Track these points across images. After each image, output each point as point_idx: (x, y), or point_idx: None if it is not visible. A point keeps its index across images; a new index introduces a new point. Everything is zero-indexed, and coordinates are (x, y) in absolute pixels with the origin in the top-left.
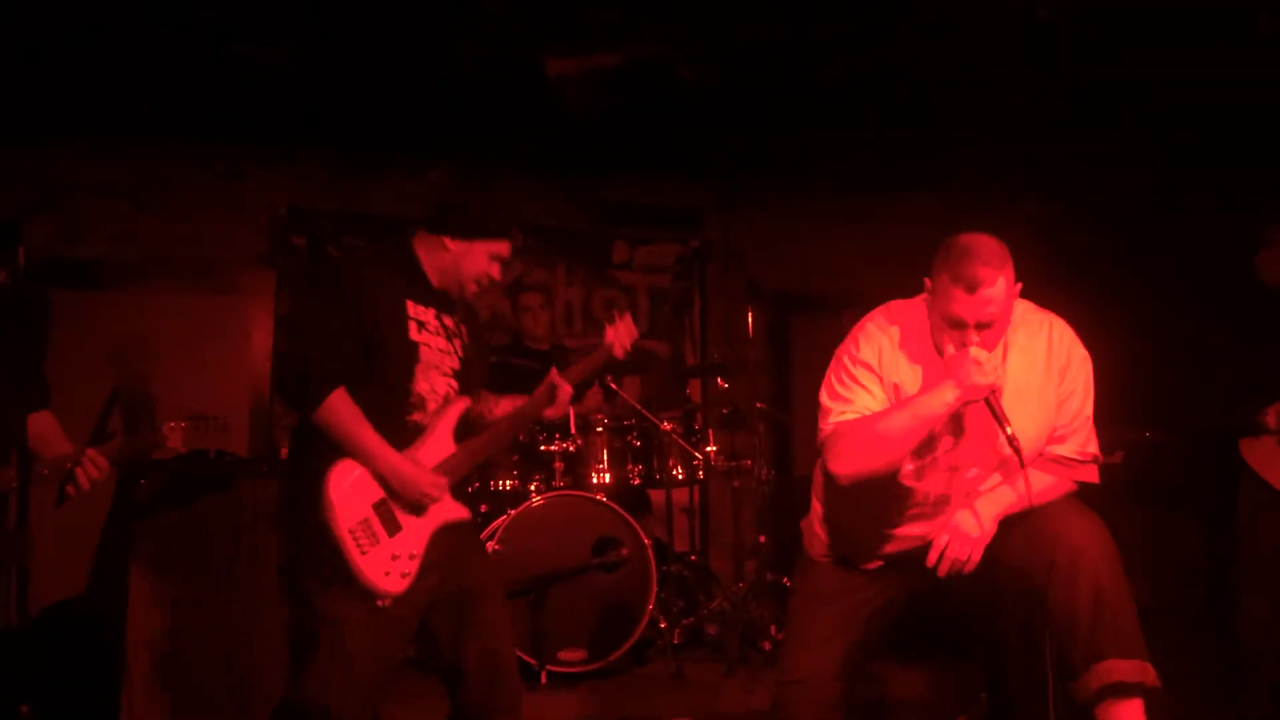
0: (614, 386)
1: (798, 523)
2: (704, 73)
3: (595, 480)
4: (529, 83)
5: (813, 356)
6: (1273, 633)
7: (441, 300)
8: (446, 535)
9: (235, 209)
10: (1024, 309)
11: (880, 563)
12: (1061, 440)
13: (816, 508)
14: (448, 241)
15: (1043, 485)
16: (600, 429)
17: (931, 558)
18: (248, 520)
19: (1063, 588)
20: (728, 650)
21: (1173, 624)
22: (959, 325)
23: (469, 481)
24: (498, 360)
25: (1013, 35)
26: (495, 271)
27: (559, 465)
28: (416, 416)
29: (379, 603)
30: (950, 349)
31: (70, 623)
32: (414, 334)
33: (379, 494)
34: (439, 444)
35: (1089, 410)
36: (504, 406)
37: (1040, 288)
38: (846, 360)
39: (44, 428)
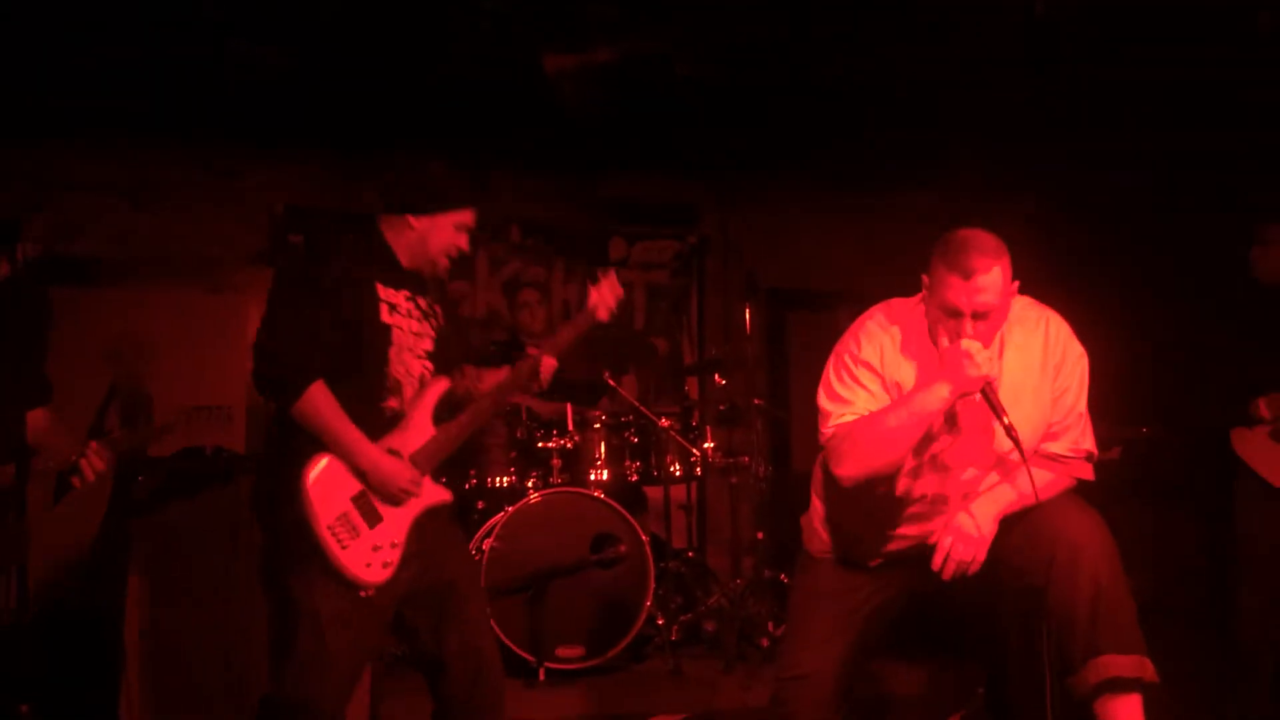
0: (613, 384)
1: (795, 519)
2: (702, 70)
3: (593, 477)
4: (527, 81)
5: (810, 353)
6: (1270, 629)
7: (414, 282)
8: (428, 522)
9: (234, 207)
10: (1022, 306)
11: (880, 560)
12: (1056, 437)
13: (816, 505)
14: (411, 220)
15: (1041, 482)
16: (598, 426)
17: (936, 561)
18: (245, 517)
19: (1062, 584)
20: (725, 647)
21: (1171, 621)
22: (955, 314)
23: (466, 471)
24: (496, 354)
25: (1013, 35)
26: (463, 242)
27: (557, 462)
28: (393, 402)
29: (362, 594)
30: (945, 342)
31: (68, 620)
32: (385, 316)
33: (357, 486)
34: (418, 429)
35: (1083, 407)
36: (488, 381)
37: (1039, 284)
38: (847, 359)
39: (46, 424)
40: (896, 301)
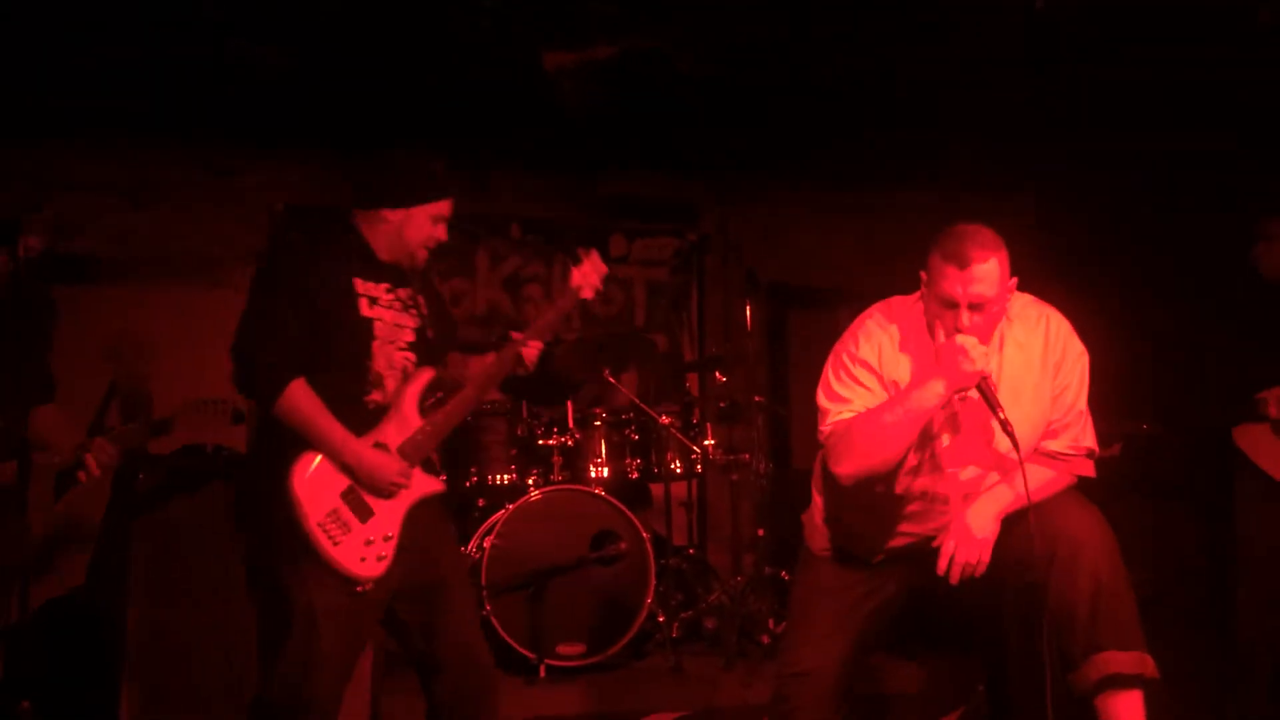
0: (613, 380)
1: (796, 516)
2: (702, 69)
3: (593, 474)
4: (527, 80)
5: (811, 350)
6: (1270, 627)
7: (394, 274)
8: (420, 513)
9: (233, 207)
10: (1022, 304)
11: (882, 557)
12: (1056, 434)
13: (817, 502)
14: (386, 214)
15: (1042, 480)
16: (598, 423)
17: (941, 565)
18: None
19: (1062, 580)
20: (726, 644)
21: (1171, 618)
22: (951, 305)
23: (467, 468)
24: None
25: (1013, 35)
26: (441, 233)
27: (557, 459)
28: (376, 396)
29: (359, 589)
30: (942, 337)
31: (69, 618)
32: (365, 310)
33: (345, 482)
34: (405, 421)
35: (1084, 404)
36: (474, 368)
37: (1039, 281)
38: (845, 358)
39: (51, 421)
40: (896, 300)
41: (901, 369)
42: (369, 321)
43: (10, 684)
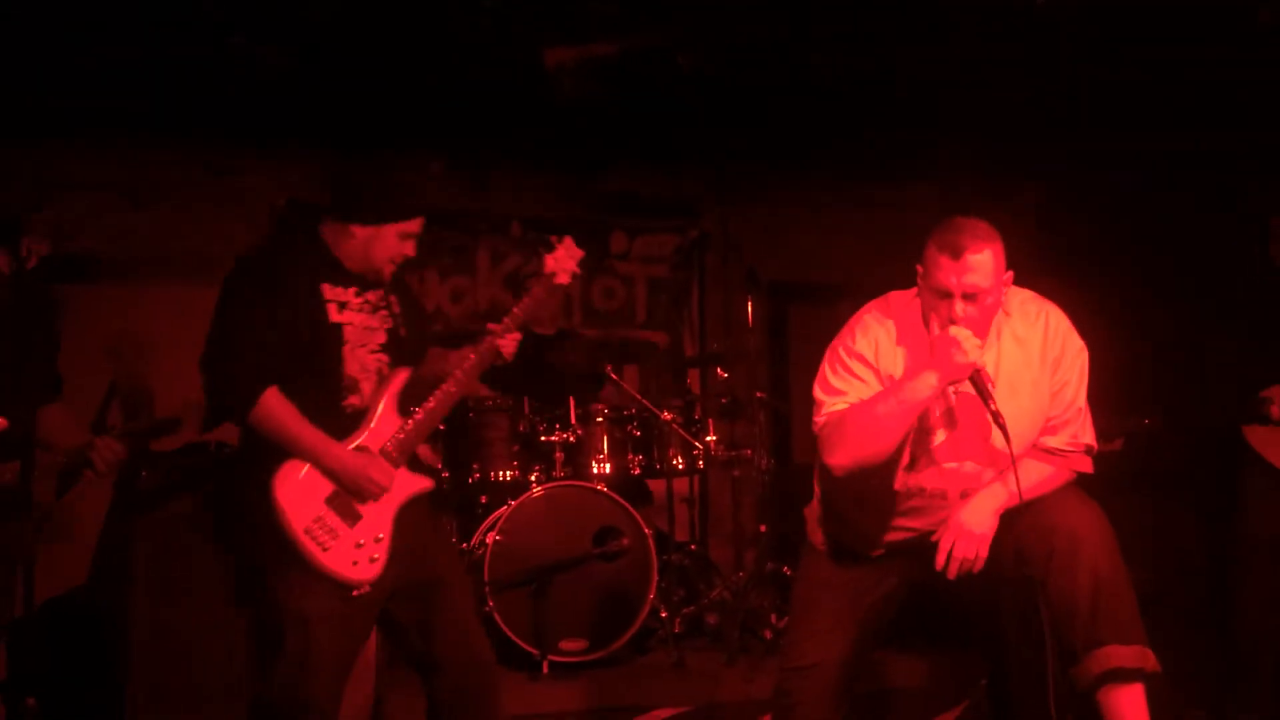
0: (614, 377)
1: (798, 512)
2: (703, 65)
3: (595, 470)
4: (527, 80)
5: (811, 346)
6: (1273, 623)
7: (362, 279)
8: (411, 513)
9: (234, 207)
10: (1022, 299)
11: (882, 551)
12: (1054, 431)
13: (819, 496)
14: (354, 229)
15: (1040, 476)
16: (600, 419)
17: (939, 561)
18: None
19: (1062, 576)
20: (728, 639)
21: (1171, 615)
22: (945, 295)
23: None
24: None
25: (1013, 35)
26: (409, 249)
27: (559, 456)
28: (354, 400)
29: (354, 593)
30: (936, 328)
31: (72, 615)
32: (335, 315)
33: (330, 488)
34: (385, 422)
35: (1083, 401)
36: (452, 364)
37: (1040, 280)
38: (842, 351)
39: (58, 420)
40: (894, 295)
41: (898, 363)
42: (339, 327)
43: (15, 681)
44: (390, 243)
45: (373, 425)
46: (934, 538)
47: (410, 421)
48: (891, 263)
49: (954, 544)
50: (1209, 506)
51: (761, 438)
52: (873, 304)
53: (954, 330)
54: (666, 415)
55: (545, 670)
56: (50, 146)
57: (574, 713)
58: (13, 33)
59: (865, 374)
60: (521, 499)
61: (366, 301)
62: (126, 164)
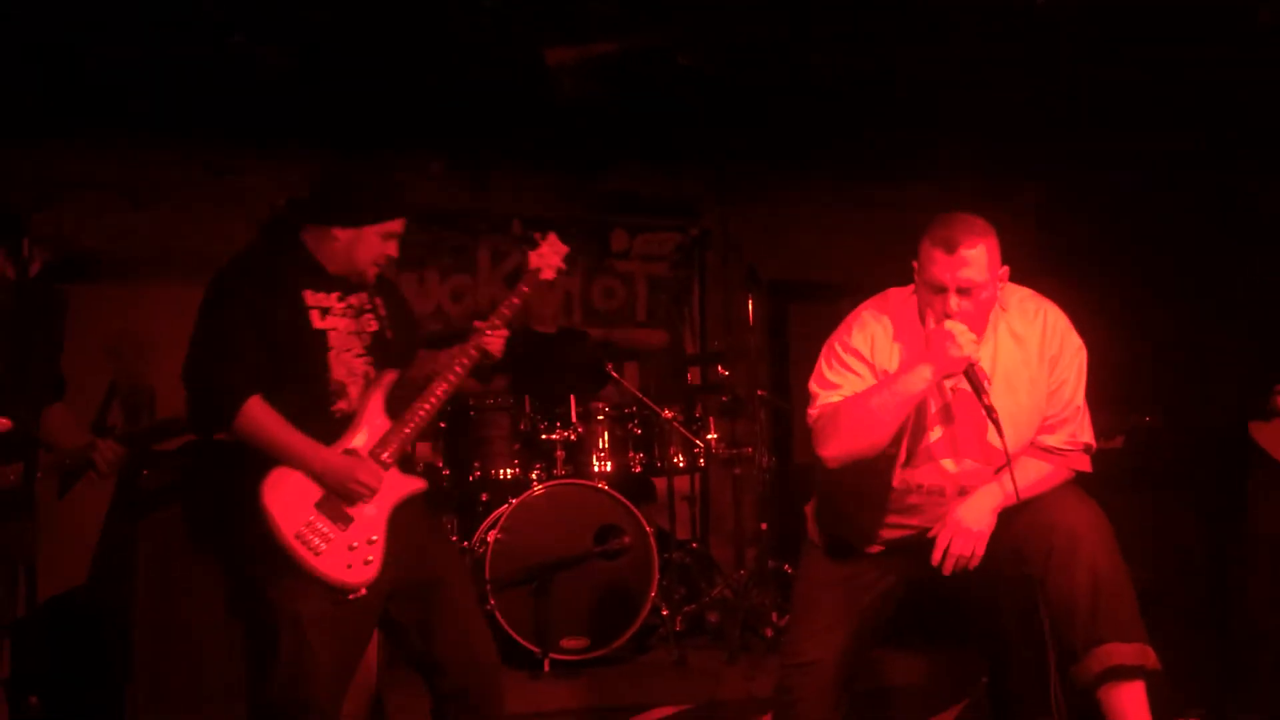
0: (615, 375)
1: (798, 510)
2: (703, 65)
3: (596, 468)
4: (528, 76)
5: (812, 344)
6: (1273, 620)
7: (344, 282)
8: (406, 514)
9: (234, 207)
10: (1020, 297)
11: (881, 547)
12: (1053, 429)
13: (819, 493)
14: (335, 232)
15: (1038, 474)
16: (601, 417)
17: (936, 556)
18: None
19: (1061, 574)
20: (729, 637)
21: (1171, 613)
22: (939, 290)
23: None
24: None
25: (1013, 35)
26: (392, 250)
27: (560, 454)
28: (341, 405)
29: (350, 596)
30: (931, 323)
31: (74, 614)
32: (318, 322)
33: (319, 492)
34: (373, 425)
35: (1081, 399)
36: (441, 364)
37: (1040, 280)
38: (838, 347)
39: (59, 420)
40: (892, 292)
41: (894, 359)
42: (322, 333)
43: (17, 680)
44: (373, 244)
45: (361, 429)
46: (931, 533)
47: (399, 423)
48: (891, 262)
49: (951, 540)
50: (1209, 505)
51: (762, 436)
52: (870, 301)
53: (949, 324)
54: (667, 413)
55: (546, 668)
56: (50, 146)
57: (575, 711)
58: (13, 33)
59: (861, 369)
60: (522, 497)
61: (350, 306)
62: (126, 164)
